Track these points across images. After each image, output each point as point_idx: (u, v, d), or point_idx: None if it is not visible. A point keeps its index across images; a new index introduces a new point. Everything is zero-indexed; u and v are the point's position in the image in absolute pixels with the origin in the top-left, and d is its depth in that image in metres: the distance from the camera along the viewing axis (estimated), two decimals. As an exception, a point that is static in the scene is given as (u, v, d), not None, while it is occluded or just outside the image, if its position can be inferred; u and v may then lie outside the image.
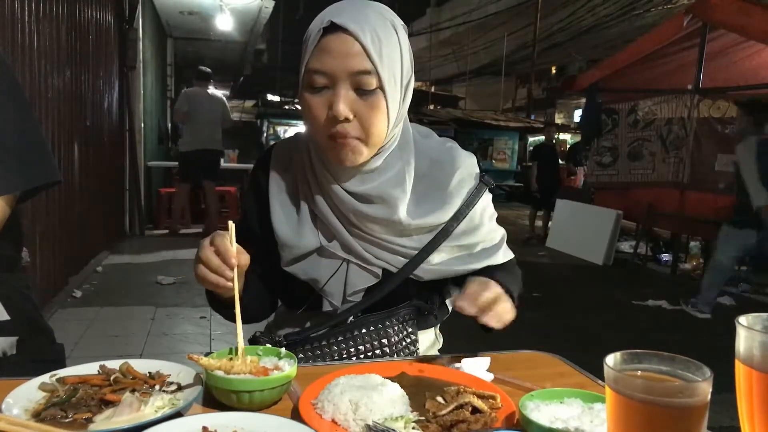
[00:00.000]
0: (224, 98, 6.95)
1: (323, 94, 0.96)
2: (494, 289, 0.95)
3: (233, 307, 1.01)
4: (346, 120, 0.95)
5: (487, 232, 1.12)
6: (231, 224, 0.91)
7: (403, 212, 1.03)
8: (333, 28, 0.93)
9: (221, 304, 1.04)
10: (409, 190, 1.05)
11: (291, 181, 1.10)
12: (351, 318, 1.07)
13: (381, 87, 0.95)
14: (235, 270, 0.90)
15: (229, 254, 0.89)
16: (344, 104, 0.94)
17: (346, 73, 0.94)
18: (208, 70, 6.94)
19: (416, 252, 1.05)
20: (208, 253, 0.90)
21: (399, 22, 1.00)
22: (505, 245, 1.16)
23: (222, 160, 7.46)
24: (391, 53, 0.96)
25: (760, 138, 4.34)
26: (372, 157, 1.02)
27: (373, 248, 1.05)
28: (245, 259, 0.93)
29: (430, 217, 1.04)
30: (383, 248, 1.05)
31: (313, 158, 1.05)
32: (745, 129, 4.64)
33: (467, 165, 1.10)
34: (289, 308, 1.17)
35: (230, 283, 0.90)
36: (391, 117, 0.98)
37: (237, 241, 0.95)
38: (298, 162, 1.09)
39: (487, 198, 1.12)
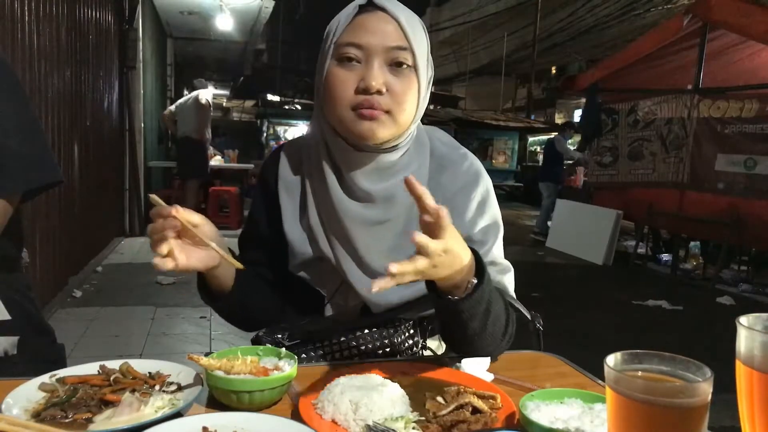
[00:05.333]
0: (202, 90, 7.12)
1: (354, 68, 0.94)
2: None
3: (221, 300, 1.00)
4: (378, 93, 0.92)
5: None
6: (153, 196, 0.86)
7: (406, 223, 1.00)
8: (368, 8, 0.95)
9: (212, 296, 1.01)
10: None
11: (301, 183, 1.07)
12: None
13: (415, 66, 0.95)
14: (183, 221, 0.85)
15: (161, 208, 0.85)
16: (379, 76, 0.92)
17: (381, 47, 0.93)
18: (200, 82, 7.34)
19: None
20: (150, 226, 0.86)
21: None
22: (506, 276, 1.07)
23: (216, 158, 7.64)
24: (422, 39, 0.97)
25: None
26: (392, 149, 0.99)
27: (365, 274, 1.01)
28: (189, 213, 0.87)
29: None
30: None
31: (321, 152, 1.02)
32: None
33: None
34: (297, 313, 1.13)
35: (176, 226, 0.85)
36: (420, 99, 0.98)
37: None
38: (306, 162, 1.06)
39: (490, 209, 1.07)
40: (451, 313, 0.87)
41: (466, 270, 0.82)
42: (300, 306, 1.10)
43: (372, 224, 1.00)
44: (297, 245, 1.05)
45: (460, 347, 0.97)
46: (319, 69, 0.99)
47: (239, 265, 0.93)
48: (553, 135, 8.70)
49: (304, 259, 1.05)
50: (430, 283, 0.86)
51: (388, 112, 0.94)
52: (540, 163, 8.84)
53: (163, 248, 0.84)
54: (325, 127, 1.01)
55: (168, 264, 0.84)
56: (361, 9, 0.95)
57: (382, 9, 0.95)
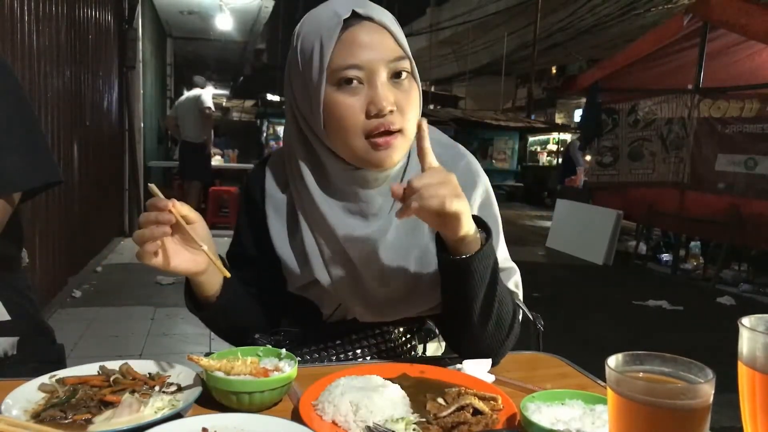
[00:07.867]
0: (202, 92, 7.16)
1: (357, 90, 0.88)
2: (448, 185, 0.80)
3: (207, 309, 0.96)
4: (391, 112, 0.87)
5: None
6: (151, 186, 0.85)
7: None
8: (353, 20, 0.88)
9: (198, 305, 0.97)
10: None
11: (288, 201, 1.02)
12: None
13: (412, 71, 0.92)
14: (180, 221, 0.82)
15: (157, 200, 0.82)
16: (389, 95, 0.87)
17: (383, 63, 0.87)
18: (199, 78, 7.32)
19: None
20: (143, 215, 0.84)
21: None
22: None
23: (216, 158, 7.71)
24: (404, 36, 0.93)
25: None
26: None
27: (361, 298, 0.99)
28: (186, 209, 0.84)
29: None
30: (369, 296, 0.98)
31: (314, 172, 0.97)
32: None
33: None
34: (293, 326, 1.09)
35: (170, 220, 0.82)
36: (420, 103, 0.94)
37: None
38: (292, 180, 1.01)
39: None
40: (462, 275, 0.86)
41: (473, 230, 0.84)
42: (296, 319, 1.07)
43: (372, 241, 0.95)
44: (292, 269, 1.00)
45: (465, 336, 0.93)
46: (309, 93, 0.90)
47: (227, 273, 0.89)
48: (569, 138, 8.72)
49: (301, 283, 1.01)
50: (441, 251, 0.87)
51: (400, 131, 0.89)
52: (537, 164, 8.97)
53: (150, 246, 0.83)
54: (321, 150, 0.95)
55: (153, 259, 0.84)
56: (346, 23, 0.87)
57: (368, 18, 0.88)
